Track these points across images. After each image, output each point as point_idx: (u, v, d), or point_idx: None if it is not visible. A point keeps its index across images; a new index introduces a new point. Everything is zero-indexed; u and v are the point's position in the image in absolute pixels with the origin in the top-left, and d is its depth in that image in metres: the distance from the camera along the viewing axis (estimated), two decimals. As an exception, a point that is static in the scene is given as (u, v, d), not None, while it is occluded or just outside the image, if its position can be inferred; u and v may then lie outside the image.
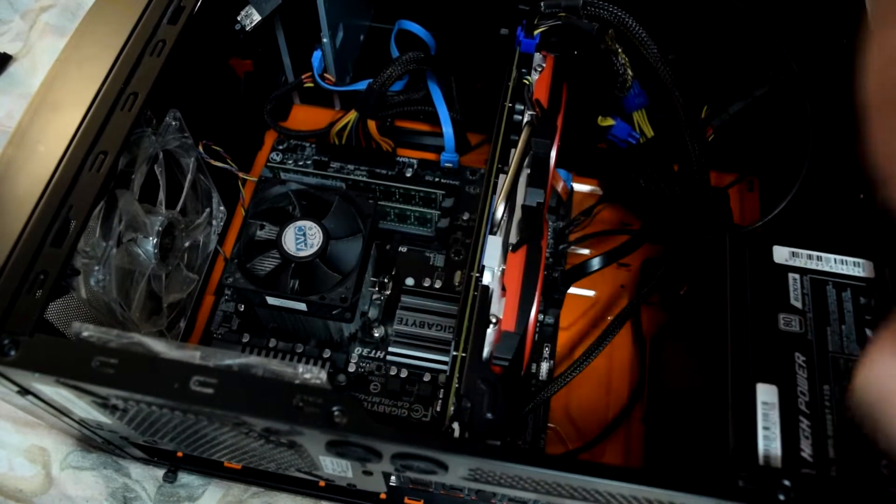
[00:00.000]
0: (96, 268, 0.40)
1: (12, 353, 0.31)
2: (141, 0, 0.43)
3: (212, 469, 0.48)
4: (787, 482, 0.29)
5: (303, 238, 0.47)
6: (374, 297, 0.53)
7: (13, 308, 0.32)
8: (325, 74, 0.57)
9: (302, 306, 0.46)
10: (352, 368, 0.51)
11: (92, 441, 0.47)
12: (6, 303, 0.32)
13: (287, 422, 0.29)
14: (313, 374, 0.31)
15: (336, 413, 0.29)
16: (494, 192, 0.41)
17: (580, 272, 0.50)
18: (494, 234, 0.40)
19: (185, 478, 0.49)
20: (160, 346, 0.32)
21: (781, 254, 0.35)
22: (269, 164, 0.59)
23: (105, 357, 0.30)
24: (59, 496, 0.48)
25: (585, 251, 0.56)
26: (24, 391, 0.34)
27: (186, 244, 0.50)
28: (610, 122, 0.52)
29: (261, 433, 0.33)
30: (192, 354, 0.31)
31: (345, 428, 0.29)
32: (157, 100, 0.42)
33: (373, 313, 0.53)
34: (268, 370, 0.31)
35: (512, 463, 0.28)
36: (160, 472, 0.49)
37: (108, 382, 0.30)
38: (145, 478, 0.49)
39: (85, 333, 0.32)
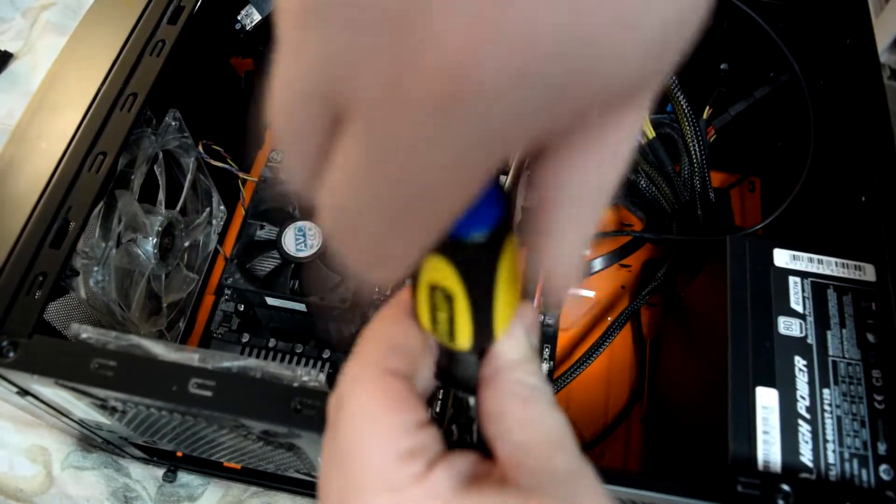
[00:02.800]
0: (95, 268, 0.40)
1: (11, 354, 0.31)
2: (141, 0, 0.43)
3: (211, 469, 0.48)
4: (786, 487, 0.29)
5: (303, 238, 0.47)
6: (374, 297, 0.53)
7: (12, 309, 0.32)
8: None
9: (302, 307, 0.46)
10: (351, 369, 0.51)
11: (92, 441, 0.47)
12: (5, 304, 0.32)
13: (285, 424, 0.29)
14: (311, 377, 0.31)
15: (334, 416, 0.29)
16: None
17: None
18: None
19: (184, 477, 0.49)
20: (159, 348, 0.32)
21: (782, 257, 0.35)
22: (269, 163, 0.59)
23: (104, 359, 0.30)
24: (60, 496, 0.48)
25: (586, 252, 0.56)
26: (24, 392, 0.34)
27: (186, 244, 0.50)
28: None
29: (259, 435, 0.33)
30: (190, 357, 0.31)
31: (343, 431, 0.29)
32: (157, 100, 0.42)
33: (373, 314, 0.53)
34: (266, 372, 0.31)
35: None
36: (160, 472, 0.49)
37: (106, 384, 0.30)
38: (145, 478, 0.49)
39: (84, 335, 0.32)
